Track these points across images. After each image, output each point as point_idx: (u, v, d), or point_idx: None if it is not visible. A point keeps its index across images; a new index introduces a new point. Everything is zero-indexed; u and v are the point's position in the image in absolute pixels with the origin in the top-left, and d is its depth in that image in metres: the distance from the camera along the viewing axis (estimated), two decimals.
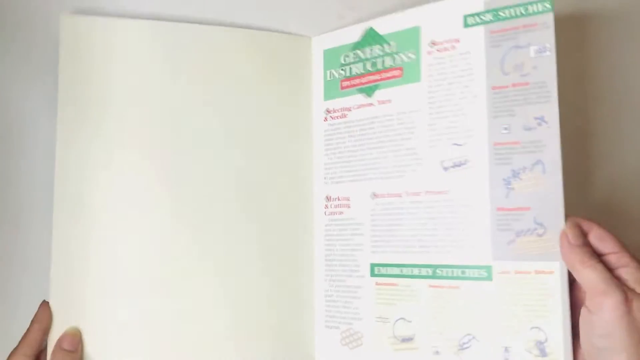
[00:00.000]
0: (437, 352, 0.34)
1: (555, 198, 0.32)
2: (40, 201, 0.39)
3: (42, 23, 0.40)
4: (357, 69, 0.40)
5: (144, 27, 0.38)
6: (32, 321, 0.35)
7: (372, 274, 0.37)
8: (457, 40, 0.36)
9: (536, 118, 0.33)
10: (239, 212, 0.38)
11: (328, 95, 0.41)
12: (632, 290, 0.28)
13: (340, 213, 0.39)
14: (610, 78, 0.41)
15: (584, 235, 0.30)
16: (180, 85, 0.38)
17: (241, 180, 0.39)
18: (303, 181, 0.40)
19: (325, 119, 0.41)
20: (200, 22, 0.40)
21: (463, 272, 0.34)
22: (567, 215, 0.31)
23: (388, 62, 0.38)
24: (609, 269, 0.29)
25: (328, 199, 0.40)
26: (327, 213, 0.40)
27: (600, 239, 0.30)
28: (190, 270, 0.37)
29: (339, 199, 0.39)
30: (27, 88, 0.40)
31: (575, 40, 0.41)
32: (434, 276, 0.35)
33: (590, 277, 0.29)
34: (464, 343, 0.33)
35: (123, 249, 0.36)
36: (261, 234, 0.39)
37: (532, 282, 0.32)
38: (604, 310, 0.28)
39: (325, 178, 0.40)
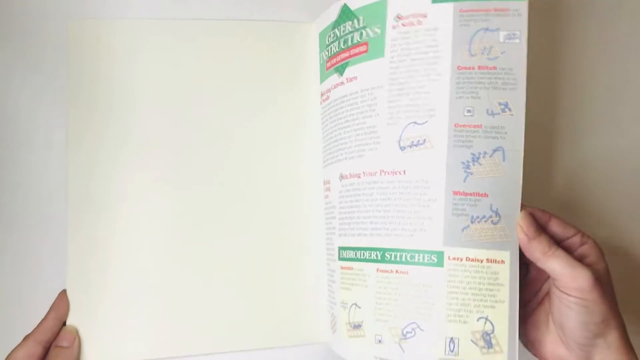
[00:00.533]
0: (379, 341, 0.32)
1: (514, 187, 0.31)
2: (49, 201, 0.39)
3: (45, 27, 0.39)
4: (334, 47, 0.37)
5: (147, 27, 0.39)
6: (49, 309, 0.36)
7: (339, 258, 0.35)
8: (424, 16, 0.34)
9: (500, 104, 0.32)
10: (246, 203, 0.38)
11: (321, 78, 0.39)
12: (592, 265, 0.29)
13: (326, 197, 0.38)
14: (579, 70, 0.42)
15: (539, 225, 0.30)
16: (184, 81, 0.39)
17: (247, 172, 0.39)
18: (307, 166, 0.40)
19: (320, 103, 0.39)
20: (202, 18, 0.40)
21: (412, 257, 0.32)
22: (523, 206, 0.31)
23: (356, 37, 0.36)
24: (573, 249, 0.31)
25: (324, 182, 0.38)
26: (324, 197, 0.38)
27: (562, 225, 0.31)
28: (201, 260, 0.38)
29: (326, 183, 0.38)
30: (31, 89, 0.39)
31: (546, 29, 0.42)
32: (382, 260, 0.33)
33: (555, 266, 0.29)
34: (407, 332, 0.31)
35: (137, 239, 0.37)
36: (267, 222, 0.39)
37: (482, 271, 0.31)
38: (581, 293, 0.29)
39: (323, 162, 0.38)
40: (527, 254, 0.30)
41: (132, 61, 0.38)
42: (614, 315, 0.29)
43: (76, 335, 0.35)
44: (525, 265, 0.33)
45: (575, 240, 0.31)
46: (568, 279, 0.29)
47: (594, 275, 0.28)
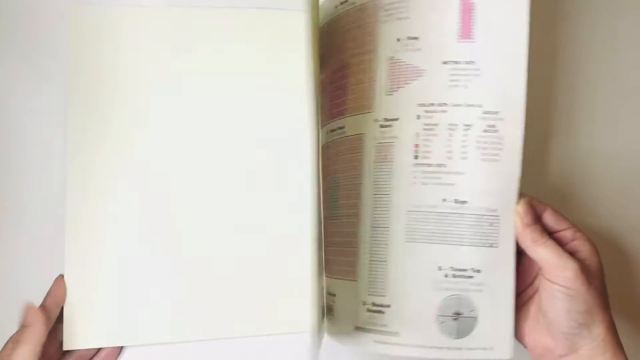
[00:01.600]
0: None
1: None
2: (45, 194, 0.38)
3: (45, 20, 0.39)
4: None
5: (148, 14, 0.38)
6: (46, 295, 0.35)
7: None
8: None
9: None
10: (243, 194, 0.38)
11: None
12: (583, 261, 0.30)
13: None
14: (576, 62, 0.43)
15: (536, 214, 0.31)
16: (187, 69, 0.39)
17: (245, 164, 0.39)
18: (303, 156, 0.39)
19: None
20: (202, 6, 0.39)
21: None
22: (521, 195, 0.32)
23: None
24: (565, 243, 0.31)
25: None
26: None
27: (555, 218, 0.32)
28: (196, 249, 0.38)
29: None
30: (29, 83, 0.39)
31: (544, 19, 0.42)
32: None
33: (543, 253, 0.30)
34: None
35: (134, 229, 0.37)
36: (261, 212, 0.39)
37: None
38: (565, 282, 0.29)
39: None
40: (519, 241, 0.31)
41: (134, 49, 0.38)
42: (601, 309, 0.30)
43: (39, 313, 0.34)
44: (519, 257, 0.33)
45: (567, 234, 0.31)
46: (554, 268, 0.30)
47: (580, 266, 0.29)
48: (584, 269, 0.30)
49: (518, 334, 0.33)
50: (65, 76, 0.37)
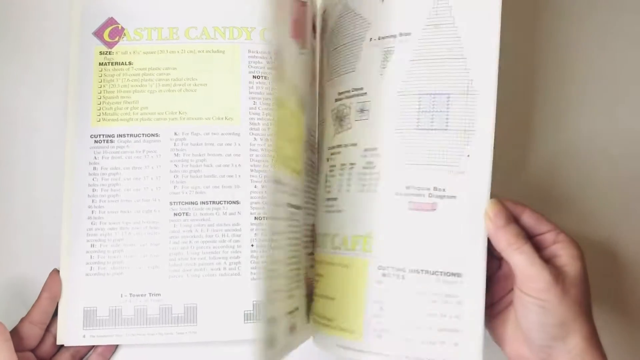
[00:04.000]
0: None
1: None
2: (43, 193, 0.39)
3: (46, 19, 0.40)
4: None
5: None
6: (42, 289, 0.35)
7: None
8: None
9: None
10: None
11: None
12: (559, 267, 0.28)
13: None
14: (557, 53, 0.41)
15: (510, 215, 0.29)
16: None
17: None
18: None
19: None
20: None
21: None
22: (495, 196, 0.30)
23: None
24: (544, 247, 0.29)
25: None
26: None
27: (535, 219, 0.30)
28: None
29: None
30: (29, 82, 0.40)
31: (524, 10, 0.41)
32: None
33: (517, 260, 0.28)
34: None
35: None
36: None
37: None
38: (537, 293, 0.28)
39: None
40: (494, 244, 0.29)
41: None
42: (578, 319, 0.28)
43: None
44: (498, 260, 0.32)
45: (549, 237, 0.30)
46: (526, 278, 0.28)
47: (553, 277, 0.27)
48: (560, 277, 0.28)
49: (499, 341, 0.32)
50: (65, 77, 0.38)
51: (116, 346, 0.37)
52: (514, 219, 0.29)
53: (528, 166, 0.40)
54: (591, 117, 0.41)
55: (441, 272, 0.30)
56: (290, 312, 0.31)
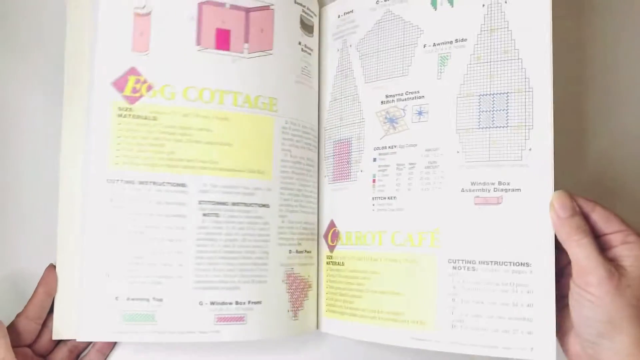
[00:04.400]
0: None
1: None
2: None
3: (43, 17, 0.39)
4: None
5: None
6: (38, 284, 0.34)
7: None
8: None
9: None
10: None
11: None
12: (622, 267, 0.28)
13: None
14: (607, 49, 0.41)
15: (574, 208, 0.30)
16: None
17: None
18: None
19: None
20: None
21: None
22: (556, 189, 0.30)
23: None
24: (611, 246, 0.29)
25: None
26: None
27: (604, 218, 0.30)
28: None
29: None
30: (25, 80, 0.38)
31: (574, 7, 0.42)
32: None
33: (575, 252, 0.29)
34: None
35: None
36: None
37: None
38: (589, 287, 0.28)
39: None
40: (557, 235, 0.30)
41: None
42: (629, 321, 0.27)
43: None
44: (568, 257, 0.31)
45: (618, 237, 0.29)
46: (581, 270, 0.28)
47: (609, 273, 0.27)
48: (615, 276, 0.28)
49: (558, 334, 0.31)
50: (62, 75, 0.36)
51: (115, 343, 0.37)
52: (579, 212, 0.30)
53: (585, 160, 0.40)
54: None
55: (510, 262, 0.31)
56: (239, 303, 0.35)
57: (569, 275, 0.31)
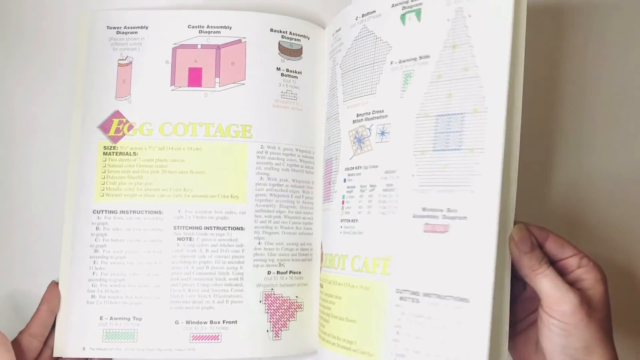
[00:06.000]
0: None
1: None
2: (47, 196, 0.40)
3: (51, 20, 0.41)
4: None
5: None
6: (41, 302, 0.36)
7: None
8: None
9: None
10: None
11: None
12: (586, 290, 0.29)
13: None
14: (579, 78, 0.40)
15: (534, 240, 0.30)
16: None
17: None
18: None
19: None
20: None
21: None
22: (516, 222, 0.30)
23: None
24: (569, 271, 0.30)
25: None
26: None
27: (559, 244, 0.30)
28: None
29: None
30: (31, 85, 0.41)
31: (548, 33, 0.40)
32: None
33: (541, 284, 0.29)
34: None
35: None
36: None
37: None
38: (563, 317, 0.28)
39: None
40: (517, 269, 0.30)
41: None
42: (601, 343, 0.28)
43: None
44: (523, 283, 0.32)
45: (572, 261, 0.30)
46: (552, 301, 0.28)
47: (579, 299, 0.28)
48: (585, 300, 0.28)
49: (519, 359, 0.32)
50: (70, 79, 0.39)
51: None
52: (537, 245, 0.30)
53: (550, 190, 0.39)
54: (614, 143, 0.39)
55: (451, 296, 0.29)
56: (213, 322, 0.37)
57: (522, 303, 0.32)
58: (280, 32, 0.41)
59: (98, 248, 0.38)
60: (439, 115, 0.31)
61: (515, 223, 0.30)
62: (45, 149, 0.40)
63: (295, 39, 0.41)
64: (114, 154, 0.39)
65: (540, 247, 0.30)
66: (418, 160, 0.32)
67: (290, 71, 0.41)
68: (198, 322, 0.37)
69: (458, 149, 0.30)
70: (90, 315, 0.37)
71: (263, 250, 0.39)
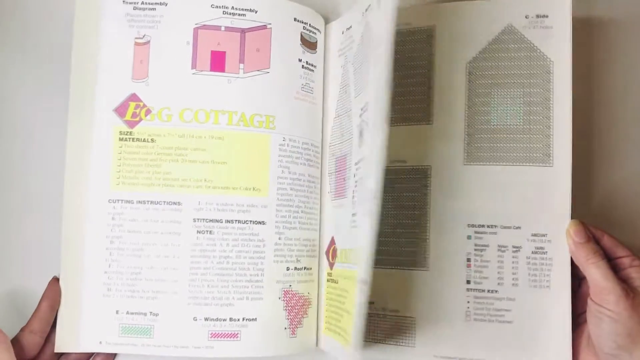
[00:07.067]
0: None
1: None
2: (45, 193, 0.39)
3: (50, 19, 0.39)
4: None
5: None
6: (41, 298, 0.35)
7: None
8: None
9: None
10: None
11: None
12: (633, 287, 0.31)
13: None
14: (616, 81, 0.41)
15: (590, 235, 0.33)
16: None
17: None
18: None
19: None
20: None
21: None
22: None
23: None
24: (620, 269, 0.32)
25: None
26: None
27: (613, 244, 0.33)
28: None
29: None
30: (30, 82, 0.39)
31: (583, 42, 0.40)
32: None
33: (593, 273, 0.32)
34: None
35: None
36: None
37: None
38: (608, 304, 0.31)
39: None
40: (575, 260, 0.33)
41: None
42: None
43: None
44: (578, 280, 0.35)
45: (625, 261, 0.33)
46: (600, 290, 0.31)
47: (624, 291, 0.30)
48: (630, 294, 0.31)
49: (574, 354, 0.34)
50: (68, 76, 0.36)
51: (115, 355, 0.38)
52: (592, 238, 0.33)
53: (591, 194, 0.40)
54: None
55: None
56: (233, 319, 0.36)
57: (580, 298, 0.35)
58: (303, 22, 0.39)
59: (114, 239, 0.36)
60: None
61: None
62: (46, 141, 0.39)
63: (313, 32, 0.40)
64: (131, 139, 0.36)
65: (597, 242, 0.33)
66: None
67: (309, 64, 0.40)
68: (217, 319, 0.36)
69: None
70: (106, 309, 0.35)
71: (283, 246, 0.37)
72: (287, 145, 0.38)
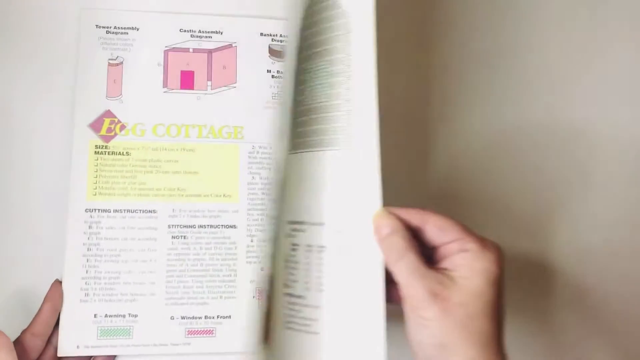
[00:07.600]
0: None
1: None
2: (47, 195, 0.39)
3: (50, 18, 0.40)
4: None
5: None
6: (44, 300, 0.35)
7: None
8: None
9: None
10: None
11: None
12: (453, 280, 0.25)
13: None
14: (453, 49, 0.40)
15: (396, 225, 0.26)
16: None
17: None
18: None
19: None
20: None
21: None
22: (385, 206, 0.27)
23: None
24: (445, 257, 0.26)
25: None
26: None
27: (440, 229, 0.26)
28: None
29: None
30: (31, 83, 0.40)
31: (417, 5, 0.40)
32: None
33: (396, 274, 0.26)
34: None
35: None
36: None
37: None
38: (414, 310, 0.25)
39: None
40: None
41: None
42: (461, 342, 0.24)
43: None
44: None
45: (453, 246, 0.26)
46: (405, 291, 0.25)
47: (432, 292, 0.24)
48: (442, 294, 0.24)
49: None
50: (71, 78, 0.38)
51: (114, 357, 0.38)
52: (401, 229, 0.26)
53: (428, 170, 0.38)
54: (484, 110, 0.39)
55: None
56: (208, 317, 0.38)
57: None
58: (271, 35, 0.42)
59: (91, 246, 0.38)
60: None
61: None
62: (44, 147, 0.40)
63: (281, 41, 0.43)
64: (106, 153, 0.39)
65: (419, 232, 0.26)
66: None
67: (280, 73, 0.43)
68: (193, 318, 0.38)
69: None
70: (84, 313, 0.37)
71: (255, 248, 0.40)
72: (257, 152, 0.41)
